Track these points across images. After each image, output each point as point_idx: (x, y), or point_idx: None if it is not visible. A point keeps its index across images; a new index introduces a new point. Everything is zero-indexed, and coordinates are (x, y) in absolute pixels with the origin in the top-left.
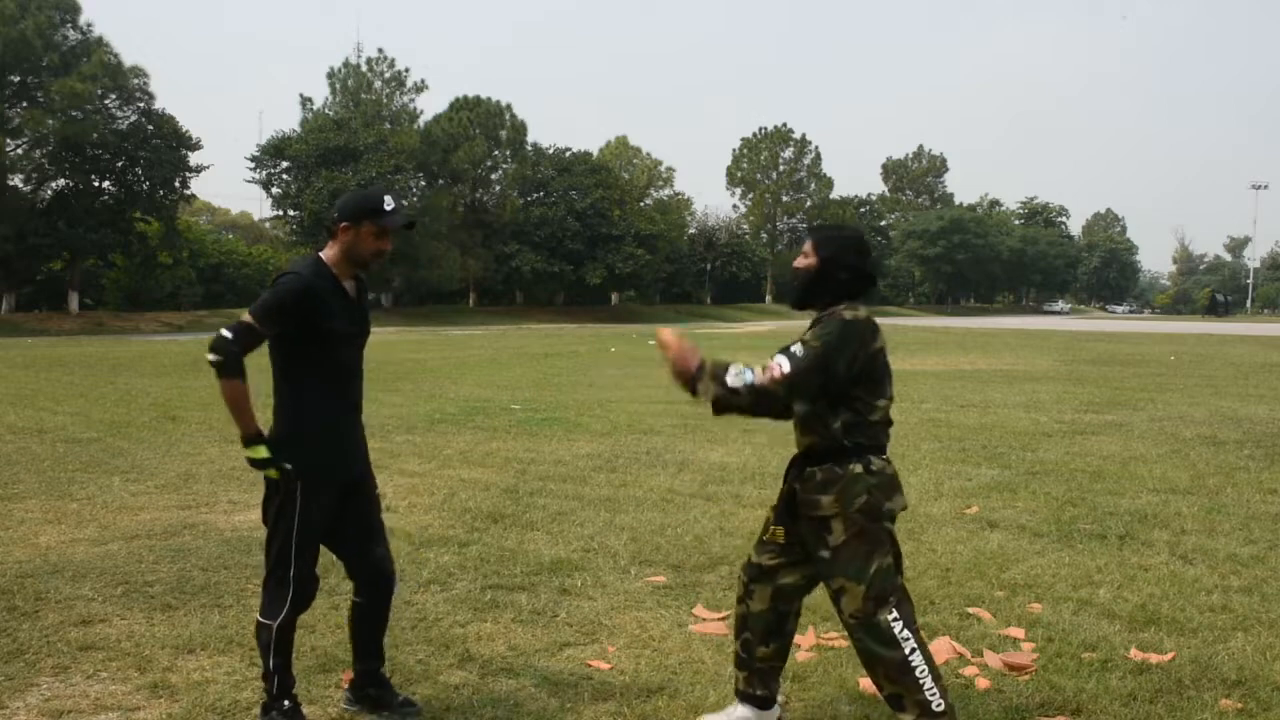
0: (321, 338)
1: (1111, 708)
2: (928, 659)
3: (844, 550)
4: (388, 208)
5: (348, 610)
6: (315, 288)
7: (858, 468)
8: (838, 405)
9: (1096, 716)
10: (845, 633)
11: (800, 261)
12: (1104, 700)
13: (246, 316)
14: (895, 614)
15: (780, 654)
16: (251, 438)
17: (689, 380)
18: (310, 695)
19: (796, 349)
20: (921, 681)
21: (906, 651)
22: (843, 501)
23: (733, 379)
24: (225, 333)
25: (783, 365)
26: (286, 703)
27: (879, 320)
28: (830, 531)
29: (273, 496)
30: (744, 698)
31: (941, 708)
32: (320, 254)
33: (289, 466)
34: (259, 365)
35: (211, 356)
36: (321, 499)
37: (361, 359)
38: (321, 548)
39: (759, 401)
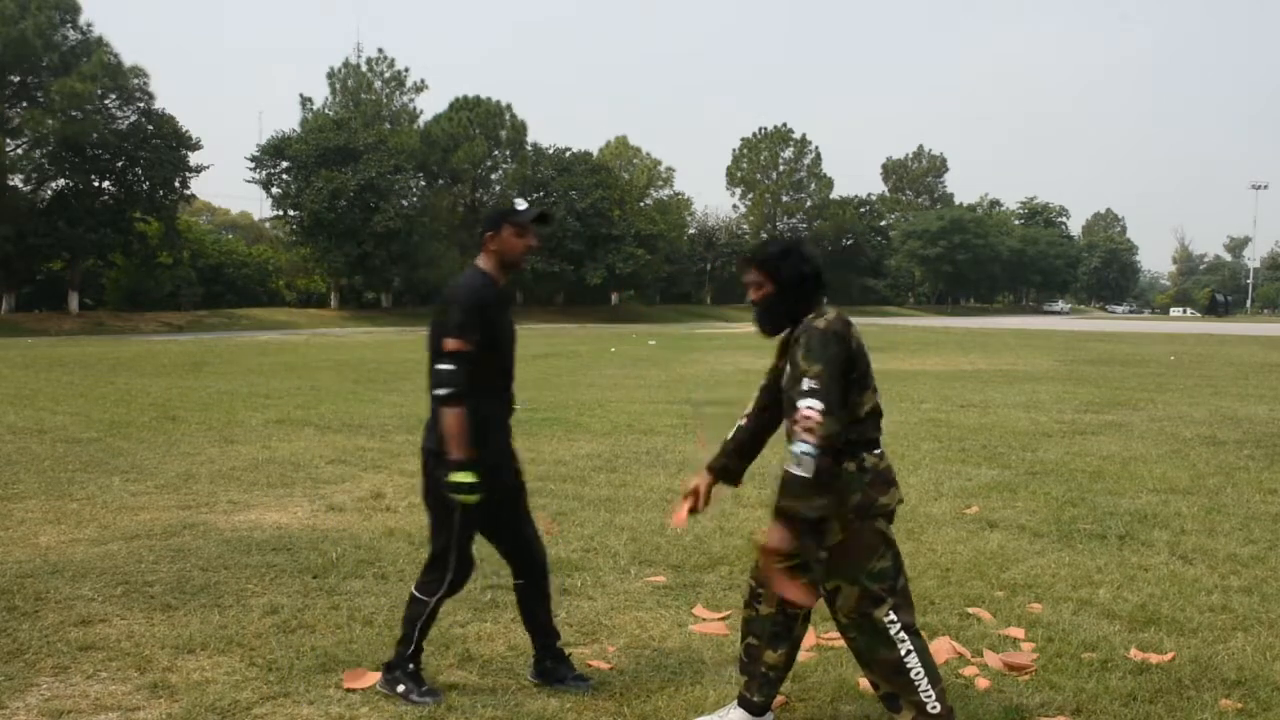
0: (492, 344)
1: (1111, 708)
2: (925, 662)
3: (840, 550)
4: (520, 208)
5: (514, 595)
6: (488, 293)
7: (851, 465)
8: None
9: (1096, 716)
10: (845, 637)
11: (756, 294)
12: (1104, 700)
13: (452, 342)
14: (892, 615)
15: (788, 661)
16: (460, 463)
17: (797, 534)
18: (310, 696)
19: (812, 384)
20: (917, 683)
21: (902, 652)
22: (840, 501)
23: (802, 468)
24: (447, 365)
25: (815, 408)
26: (412, 665)
27: (880, 321)
28: (826, 532)
29: (434, 490)
30: (741, 702)
31: (937, 710)
32: (479, 264)
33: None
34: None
35: (442, 391)
36: (489, 496)
37: (513, 359)
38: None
39: (825, 450)
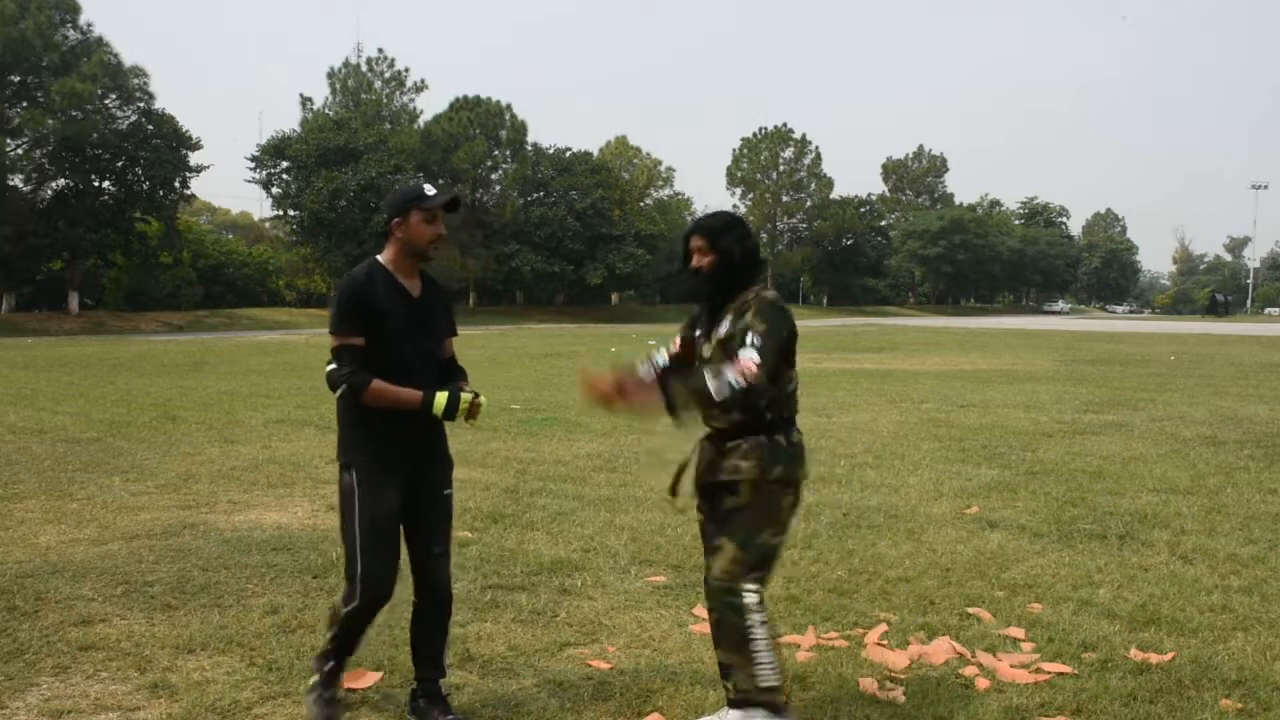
0: (378, 337)
1: (1111, 708)
2: (768, 638)
3: (740, 513)
4: (430, 193)
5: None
6: (361, 289)
7: (781, 439)
8: (770, 382)
9: (1096, 716)
10: (707, 604)
11: (698, 260)
12: (1104, 700)
13: (332, 340)
14: (754, 587)
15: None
16: (424, 403)
17: (656, 407)
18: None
19: (755, 339)
20: (756, 655)
21: (750, 624)
22: (761, 469)
23: (717, 389)
24: (331, 366)
25: (754, 359)
26: (331, 664)
27: (880, 321)
28: (735, 494)
29: (343, 494)
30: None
31: (768, 683)
32: (378, 256)
33: (481, 398)
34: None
35: (337, 392)
36: (382, 494)
37: (433, 357)
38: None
39: (745, 400)
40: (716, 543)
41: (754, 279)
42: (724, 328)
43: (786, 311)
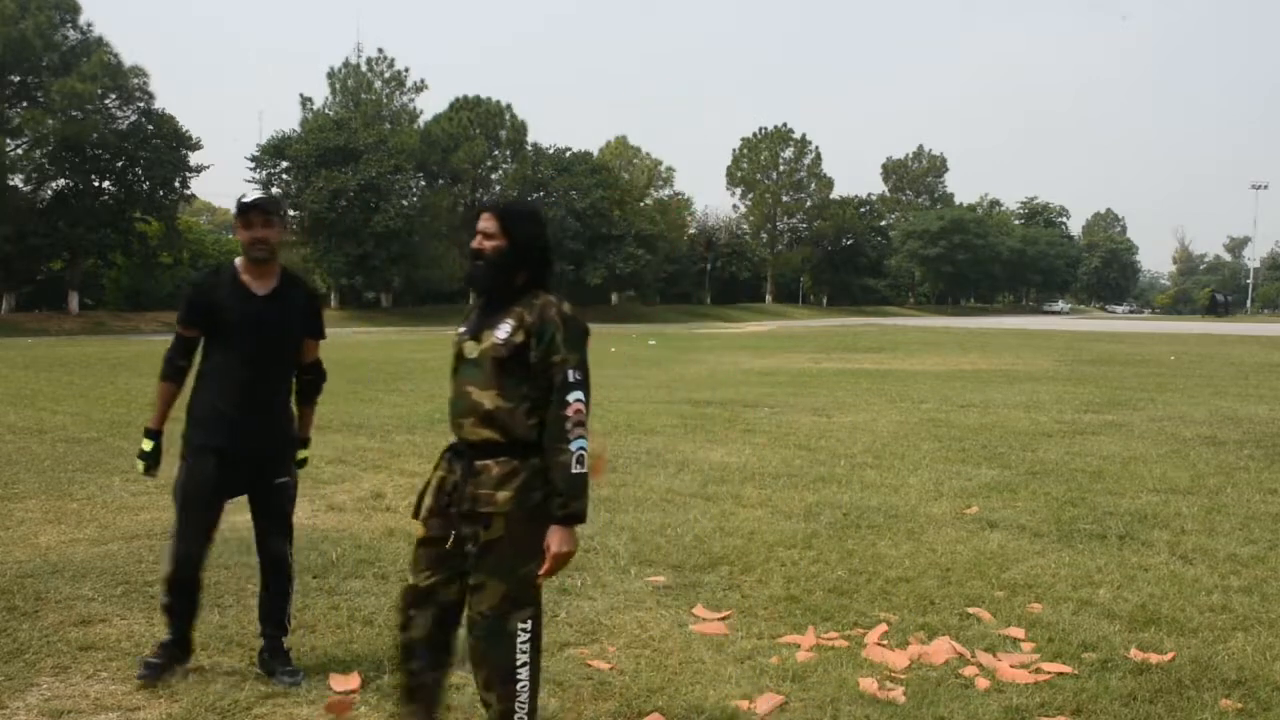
0: (214, 332)
1: (1111, 708)
2: (535, 677)
3: (498, 546)
4: (244, 199)
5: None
6: (200, 286)
7: (536, 461)
8: (540, 402)
9: (1096, 716)
10: (469, 632)
11: (485, 243)
12: (1104, 700)
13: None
14: (529, 624)
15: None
16: (149, 432)
17: (579, 515)
18: (310, 696)
19: (576, 375)
20: (519, 693)
21: (519, 663)
22: (518, 498)
23: (584, 469)
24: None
25: (583, 400)
26: (168, 638)
27: (880, 321)
28: (489, 526)
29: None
30: None
31: None
32: (237, 258)
33: (141, 466)
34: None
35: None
36: (194, 477)
37: (273, 355)
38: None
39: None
40: (476, 580)
41: (544, 280)
42: (502, 332)
43: (589, 332)
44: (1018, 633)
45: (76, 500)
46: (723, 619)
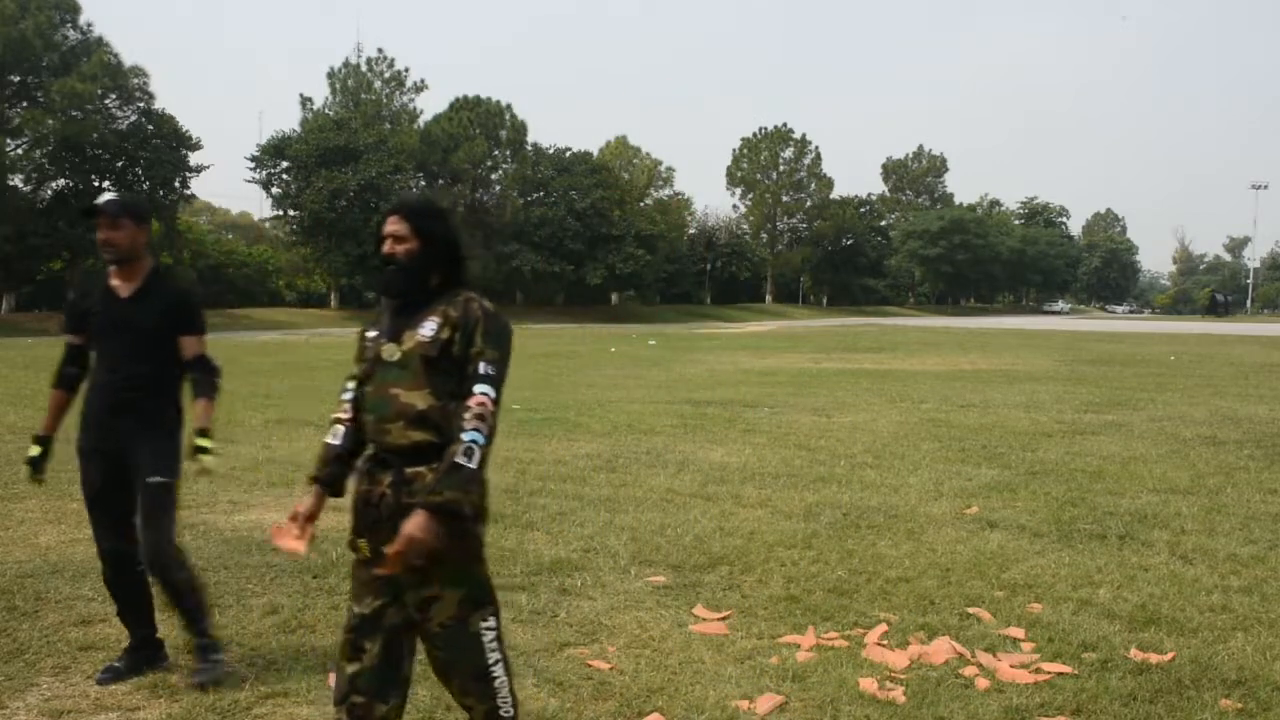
0: (90, 334)
1: (1111, 708)
2: (507, 669)
3: (446, 555)
4: (91, 204)
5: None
6: (76, 293)
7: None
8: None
9: (1096, 716)
10: (425, 644)
11: (397, 247)
12: (1104, 700)
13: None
14: (491, 621)
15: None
16: (36, 436)
17: (445, 531)
18: (310, 696)
19: (489, 369)
20: (498, 689)
21: (490, 661)
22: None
23: (474, 464)
24: None
25: (490, 395)
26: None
27: (880, 321)
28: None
29: None
30: None
31: (511, 714)
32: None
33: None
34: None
35: None
36: (84, 472)
37: (136, 353)
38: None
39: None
40: (427, 593)
41: (460, 277)
42: (428, 330)
43: (512, 330)
44: (1018, 633)
45: (76, 500)
46: (723, 619)
